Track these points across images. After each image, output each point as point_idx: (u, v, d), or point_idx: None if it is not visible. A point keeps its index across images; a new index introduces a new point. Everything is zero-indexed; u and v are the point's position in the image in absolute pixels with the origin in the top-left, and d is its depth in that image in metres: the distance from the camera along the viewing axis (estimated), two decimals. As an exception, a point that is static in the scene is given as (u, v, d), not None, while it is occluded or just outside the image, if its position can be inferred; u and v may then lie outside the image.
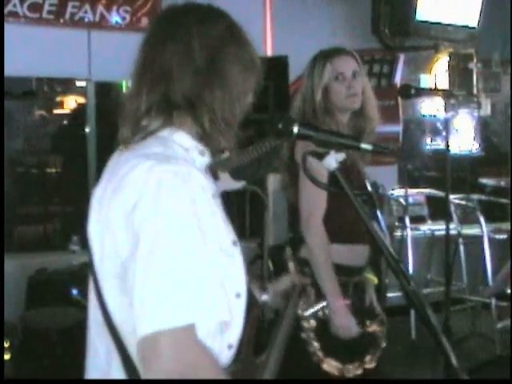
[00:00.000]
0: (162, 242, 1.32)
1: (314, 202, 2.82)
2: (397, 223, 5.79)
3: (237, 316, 1.48)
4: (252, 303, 1.68)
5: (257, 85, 1.58)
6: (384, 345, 2.87)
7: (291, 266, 1.75)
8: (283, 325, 1.78)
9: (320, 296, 2.72)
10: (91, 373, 1.55)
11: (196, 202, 1.37)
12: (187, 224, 1.35)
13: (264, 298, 1.69)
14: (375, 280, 2.97)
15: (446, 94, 3.08)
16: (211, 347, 1.41)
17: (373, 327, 2.86)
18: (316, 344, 2.75)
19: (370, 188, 3.04)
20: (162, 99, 1.48)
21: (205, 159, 1.51)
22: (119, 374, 1.43)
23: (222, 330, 1.44)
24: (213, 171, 1.54)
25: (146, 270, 1.31)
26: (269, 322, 1.79)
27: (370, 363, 2.82)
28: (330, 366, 2.77)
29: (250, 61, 1.54)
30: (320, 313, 2.75)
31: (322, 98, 2.87)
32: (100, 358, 1.50)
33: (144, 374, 1.33)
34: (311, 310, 1.76)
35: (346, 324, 2.73)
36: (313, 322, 2.75)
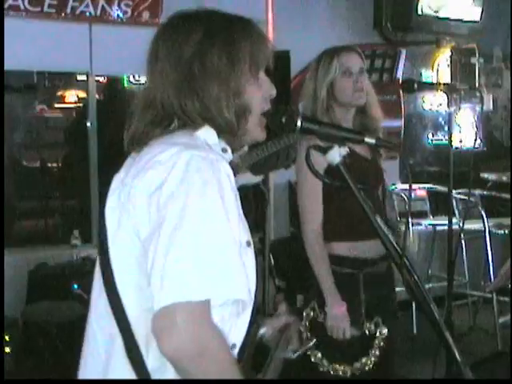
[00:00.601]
0: (187, 219, 1.33)
1: (310, 199, 2.83)
2: (399, 218, 5.78)
3: (242, 317, 1.47)
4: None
5: (256, 81, 1.56)
6: (384, 344, 2.86)
7: (282, 307, 1.72)
8: (272, 368, 1.74)
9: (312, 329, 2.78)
10: (89, 364, 1.54)
11: (223, 186, 1.38)
12: (213, 204, 1.36)
13: (262, 331, 1.67)
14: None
15: (449, 88, 3.06)
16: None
17: (379, 328, 2.85)
18: (312, 346, 2.76)
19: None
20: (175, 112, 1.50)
21: (227, 156, 1.51)
22: (120, 362, 1.43)
23: (238, 313, 1.44)
24: (233, 168, 1.53)
25: (168, 244, 1.32)
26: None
27: (369, 364, 2.82)
28: (330, 368, 2.79)
29: (229, 64, 1.51)
30: (317, 315, 2.79)
31: (328, 94, 2.86)
32: (98, 350, 1.50)
33: (158, 348, 1.33)
34: (299, 352, 1.74)
35: (339, 325, 2.75)
36: (307, 324, 2.80)
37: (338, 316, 2.75)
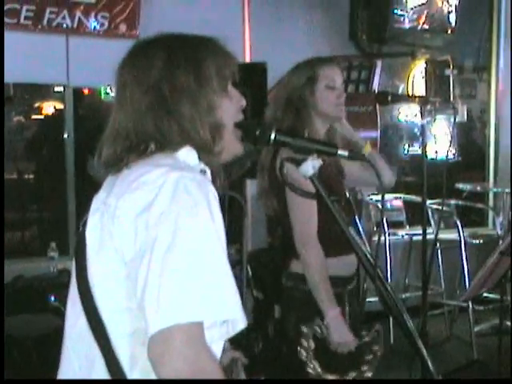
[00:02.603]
0: (180, 240, 1.32)
1: (306, 217, 2.75)
2: (375, 228, 5.83)
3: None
4: None
5: (225, 96, 1.57)
6: (381, 352, 2.87)
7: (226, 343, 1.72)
8: None
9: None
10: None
11: (211, 206, 1.39)
12: (205, 224, 1.36)
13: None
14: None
15: (422, 101, 3.11)
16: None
17: (369, 335, 2.86)
18: (315, 362, 2.74)
19: (348, 194, 3.06)
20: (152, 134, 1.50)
21: (207, 178, 1.51)
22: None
23: (228, 333, 1.44)
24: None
25: (162, 265, 1.31)
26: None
27: (368, 372, 2.82)
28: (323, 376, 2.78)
29: (196, 84, 1.52)
30: (318, 331, 2.74)
31: (307, 104, 2.86)
32: (75, 375, 1.48)
33: (155, 373, 1.31)
34: None
35: (345, 339, 2.71)
36: (311, 343, 2.73)
37: (343, 331, 2.71)
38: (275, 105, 2.95)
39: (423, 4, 6.07)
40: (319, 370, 2.74)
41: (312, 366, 2.73)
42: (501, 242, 3.80)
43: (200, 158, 1.51)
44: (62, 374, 1.54)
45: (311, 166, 1.58)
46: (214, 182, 1.52)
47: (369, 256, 1.60)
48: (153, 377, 1.33)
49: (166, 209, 1.34)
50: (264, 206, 2.93)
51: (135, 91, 1.51)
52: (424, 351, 1.57)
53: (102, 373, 1.41)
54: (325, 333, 2.72)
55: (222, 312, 1.36)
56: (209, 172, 1.53)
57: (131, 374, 1.40)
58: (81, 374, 1.47)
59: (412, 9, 6.00)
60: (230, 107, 1.58)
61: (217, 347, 1.45)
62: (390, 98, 3.08)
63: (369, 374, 2.82)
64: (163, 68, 1.51)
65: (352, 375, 2.78)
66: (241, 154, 1.62)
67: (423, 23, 6.10)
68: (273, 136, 1.61)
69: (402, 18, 5.92)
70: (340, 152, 1.62)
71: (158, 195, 1.35)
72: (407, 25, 5.98)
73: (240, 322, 1.42)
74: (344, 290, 2.84)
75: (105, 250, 1.42)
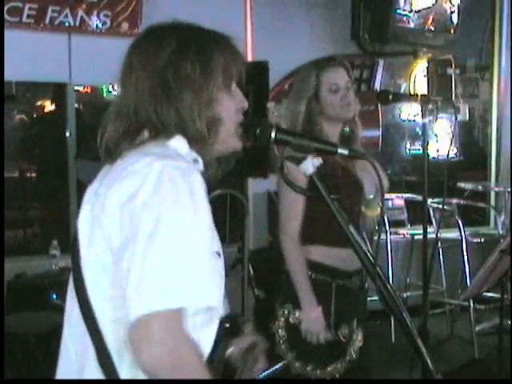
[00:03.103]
0: (161, 229, 1.35)
1: (291, 209, 2.87)
2: (376, 227, 5.82)
3: (212, 325, 1.49)
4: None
5: (226, 92, 1.58)
6: (350, 356, 2.89)
7: (248, 327, 1.73)
8: None
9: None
10: (62, 374, 1.56)
11: (195, 195, 1.41)
12: (186, 213, 1.38)
13: (229, 351, 1.68)
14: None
15: (424, 100, 3.11)
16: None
17: (346, 335, 2.89)
18: (285, 346, 2.83)
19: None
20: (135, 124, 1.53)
21: (199, 167, 1.53)
22: (93, 372, 1.44)
23: (211, 318, 1.46)
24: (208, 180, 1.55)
25: (144, 254, 1.34)
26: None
27: (338, 371, 2.85)
28: (305, 371, 2.82)
29: (202, 75, 1.53)
30: (291, 318, 2.83)
31: (314, 109, 2.90)
32: (71, 362, 1.52)
33: (135, 359, 1.34)
34: (267, 372, 1.75)
35: (314, 329, 2.79)
36: (284, 326, 2.84)
37: (312, 319, 2.79)
38: (291, 118, 2.97)
39: (429, 7, 6.08)
40: (289, 355, 2.82)
41: (282, 348, 2.82)
42: (502, 240, 3.80)
43: (191, 148, 1.53)
44: (61, 361, 1.57)
45: (311, 164, 1.59)
46: (206, 172, 1.55)
47: (369, 254, 1.60)
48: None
49: (148, 199, 1.37)
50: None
51: (140, 73, 1.53)
52: (424, 350, 1.57)
53: (94, 360, 1.44)
54: (297, 319, 2.83)
55: (200, 299, 1.39)
56: (201, 162, 1.55)
57: (120, 366, 1.42)
58: (76, 360, 1.50)
59: (418, 12, 6.01)
60: (231, 105, 1.59)
61: (203, 334, 1.46)
62: (391, 97, 3.08)
63: (341, 372, 2.84)
64: (171, 55, 1.52)
65: (328, 370, 2.83)
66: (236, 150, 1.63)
67: (427, 23, 6.10)
68: (273, 134, 1.62)
69: (404, 18, 5.92)
70: (340, 150, 1.63)
71: (143, 185, 1.38)
72: (409, 24, 5.98)
73: (219, 311, 1.45)
74: (332, 281, 2.86)
75: (95, 239, 1.44)
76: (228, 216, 5.53)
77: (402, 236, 6.07)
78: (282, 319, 2.87)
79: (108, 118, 1.57)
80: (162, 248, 1.34)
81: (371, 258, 1.60)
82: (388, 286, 1.60)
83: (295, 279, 2.83)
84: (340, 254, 2.80)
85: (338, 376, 2.84)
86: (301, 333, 2.82)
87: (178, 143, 1.51)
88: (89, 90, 6.66)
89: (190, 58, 1.53)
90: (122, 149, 1.53)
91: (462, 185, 6.19)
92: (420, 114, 3.13)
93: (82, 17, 5.21)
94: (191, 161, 1.51)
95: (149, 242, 1.34)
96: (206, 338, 1.47)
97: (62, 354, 1.56)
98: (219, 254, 1.51)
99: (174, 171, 1.40)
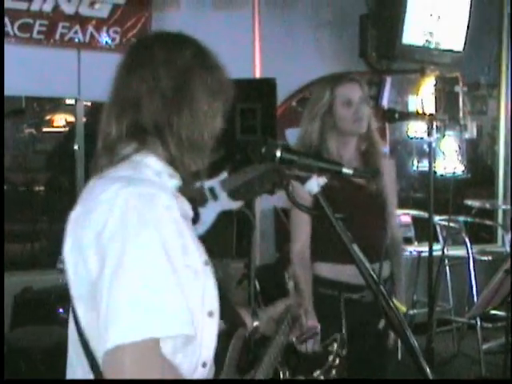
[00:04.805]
0: (126, 260, 1.35)
1: (298, 227, 2.91)
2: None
3: (209, 334, 1.52)
4: (236, 323, 1.70)
5: (226, 108, 1.62)
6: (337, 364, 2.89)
7: (291, 285, 1.78)
8: (271, 352, 1.78)
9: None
10: None
11: (161, 221, 1.41)
12: (151, 242, 1.38)
13: (255, 323, 1.71)
14: (403, 309, 2.99)
15: (430, 119, 3.12)
16: (181, 363, 1.45)
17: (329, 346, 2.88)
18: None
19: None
20: (132, 125, 1.54)
21: (174, 182, 1.55)
22: None
23: (186, 345, 1.46)
24: (187, 194, 1.57)
25: (109, 287, 1.35)
26: (255, 343, 1.79)
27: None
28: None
29: (217, 86, 1.58)
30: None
31: (328, 124, 2.93)
32: (72, 360, 1.54)
33: None
34: (304, 337, 1.79)
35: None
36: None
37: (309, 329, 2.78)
38: (305, 137, 3.00)
39: (434, 23, 6.09)
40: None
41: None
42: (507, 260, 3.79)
43: (169, 164, 1.54)
44: (68, 363, 1.58)
45: (316, 183, 1.61)
46: (185, 186, 1.56)
47: (372, 272, 1.61)
48: None
49: (114, 231, 1.38)
50: None
51: (133, 78, 1.57)
52: (427, 369, 1.57)
53: (86, 365, 1.46)
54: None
55: (169, 329, 1.37)
56: (177, 176, 1.56)
57: None
58: (83, 375, 1.50)
59: (423, 29, 6.02)
60: (211, 122, 1.60)
61: (187, 352, 1.47)
62: (397, 116, 3.10)
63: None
64: (173, 67, 1.55)
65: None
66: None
67: (433, 41, 6.12)
68: (278, 154, 1.63)
69: (411, 35, 5.93)
70: (345, 170, 1.64)
71: (110, 216, 1.39)
72: (416, 42, 6.00)
73: (193, 337, 1.44)
74: (340, 296, 2.87)
75: (79, 269, 1.45)
76: (235, 232, 5.54)
77: (408, 253, 6.06)
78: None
79: (108, 109, 1.60)
80: (126, 281, 1.35)
81: (375, 276, 1.61)
82: (391, 304, 1.61)
83: (297, 292, 2.83)
84: (347, 269, 2.80)
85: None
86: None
87: (152, 162, 1.53)
88: (97, 105, 6.71)
89: (197, 75, 1.55)
90: (101, 164, 1.56)
91: (469, 202, 6.18)
92: (427, 131, 3.14)
93: (91, 33, 5.26)
94: (167, 177, 1.53)
95: (113, 276, 1.35)
96: (191, 354, 1.48)
97: (69, 372, 1.57)
98: (207, 263, 1.53)
99: (138, 198, 1.40)
